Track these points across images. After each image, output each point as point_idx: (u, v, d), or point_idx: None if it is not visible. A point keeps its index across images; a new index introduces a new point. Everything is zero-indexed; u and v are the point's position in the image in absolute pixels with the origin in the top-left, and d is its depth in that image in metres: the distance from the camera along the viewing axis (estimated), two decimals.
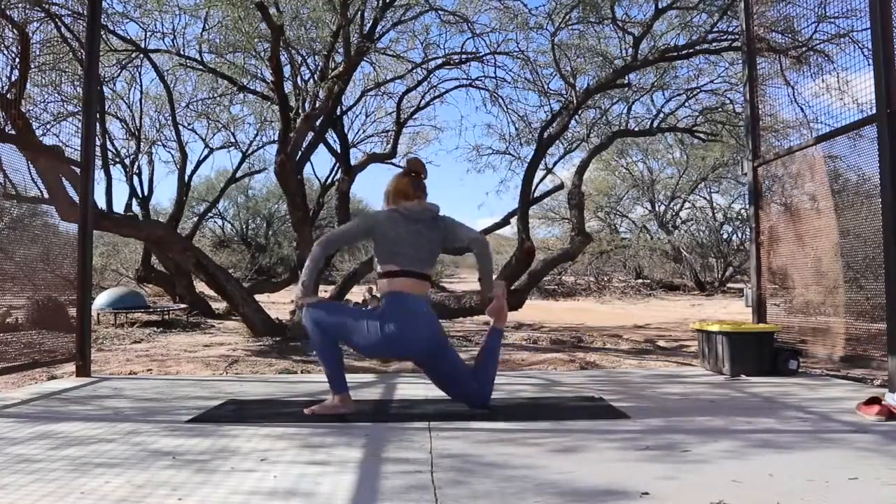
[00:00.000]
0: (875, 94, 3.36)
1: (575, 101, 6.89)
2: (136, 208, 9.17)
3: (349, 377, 3.04)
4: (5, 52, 4.62)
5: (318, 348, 2.94)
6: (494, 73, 7.75)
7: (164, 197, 39.70)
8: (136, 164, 9.29)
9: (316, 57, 6.96)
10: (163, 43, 7.23)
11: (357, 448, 2.37)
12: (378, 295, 2.98)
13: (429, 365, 3.03)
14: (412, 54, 7.66)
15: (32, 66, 4.64)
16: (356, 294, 9.87)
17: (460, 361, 3.07)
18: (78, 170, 4.45)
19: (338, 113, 7.67)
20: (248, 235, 24.65)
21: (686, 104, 8.16)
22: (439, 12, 6.92)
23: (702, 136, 8.59)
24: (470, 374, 3.03)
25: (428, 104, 8.51)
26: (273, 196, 23.25)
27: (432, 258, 2.98)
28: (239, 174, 10.88)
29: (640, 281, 19.94)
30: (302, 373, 4.76)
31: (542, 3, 8.78)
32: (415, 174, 3.04)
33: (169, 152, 9.74)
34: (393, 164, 8.97)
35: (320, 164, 56.72)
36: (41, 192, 4.60)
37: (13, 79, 4.56)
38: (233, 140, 10.03)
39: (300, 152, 6.69)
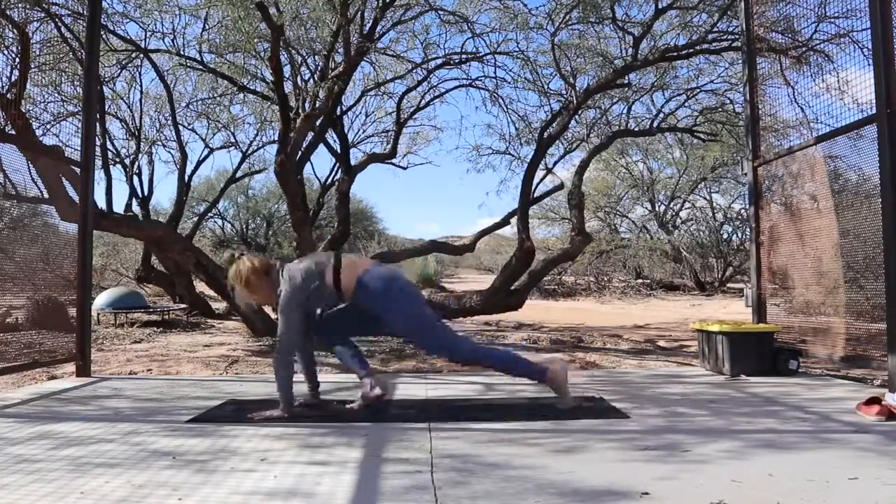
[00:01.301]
0: (875, 94, 3.36)
1: (575, 101, 6.88)
2: (136, 208, 9.15)
3: (348, 377, 3.04)
4: (5, 52, 4.63)
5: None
6: (494, 73, 7.73)
7: (164, 197, 39.67)
8: (136, 164, 9.27)
9: (316, 57, 6.95)
10: (163, 43, 7.22)
11: (357, 448, 2.37)
12: None
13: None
14: (412, 54, 7.65)
15: (32, 66, 4.64)
16: None
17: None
18: (78, 170, 4.46)
19: (338, 113, 7.66)
20: (248, 235, 24.66)
21: (686, 104, 8.14)
22: (439, 12, 6.91)
23: (702, 136, 8.57)
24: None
25: (428, 104, 8.48)
26: (273, 196, 23.27)
27: None
28: (239, 174, 10.85)
29: (640, 281, 19.91)
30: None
31: (542, 3, 8.78)
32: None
33: (169, 152, 9.71)
34: (393, 163, 8.97)
35: (320, 164, 56.84)
36: (41, 192, 4.60)
37: (13, 79, 4.56)
38: (233, 140, 10.00)
39: (300, 152, 6.68)
